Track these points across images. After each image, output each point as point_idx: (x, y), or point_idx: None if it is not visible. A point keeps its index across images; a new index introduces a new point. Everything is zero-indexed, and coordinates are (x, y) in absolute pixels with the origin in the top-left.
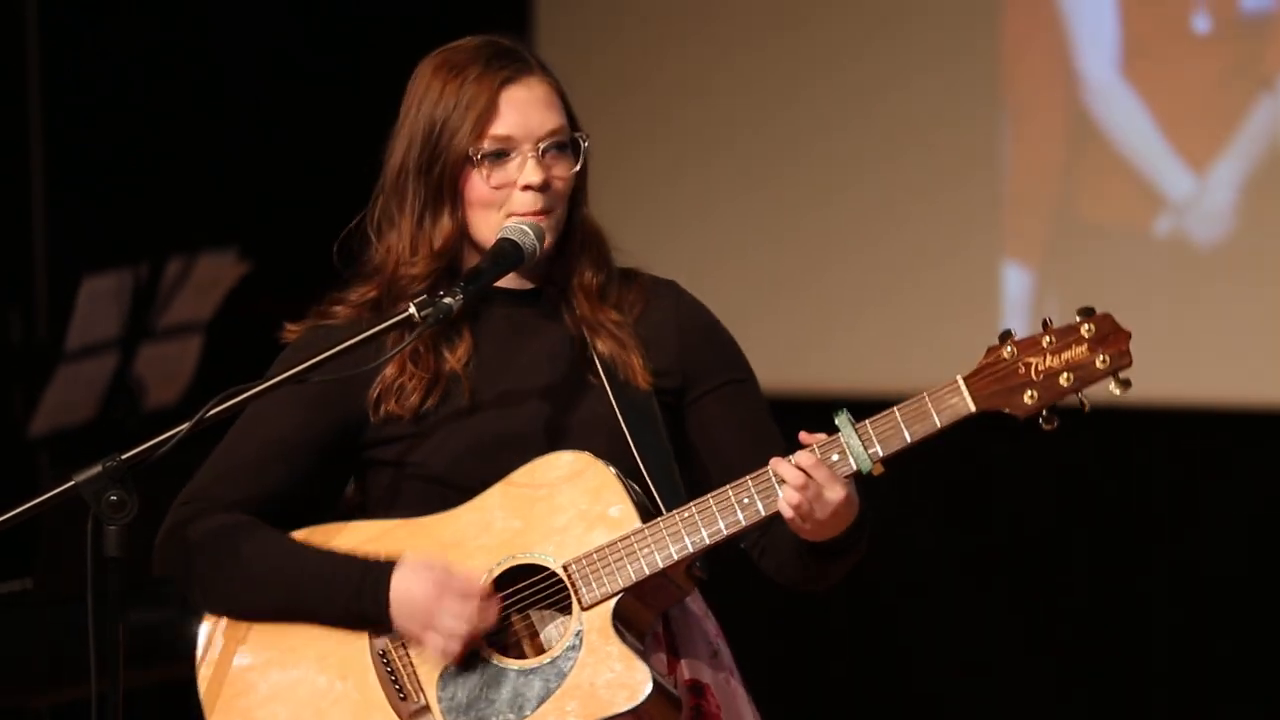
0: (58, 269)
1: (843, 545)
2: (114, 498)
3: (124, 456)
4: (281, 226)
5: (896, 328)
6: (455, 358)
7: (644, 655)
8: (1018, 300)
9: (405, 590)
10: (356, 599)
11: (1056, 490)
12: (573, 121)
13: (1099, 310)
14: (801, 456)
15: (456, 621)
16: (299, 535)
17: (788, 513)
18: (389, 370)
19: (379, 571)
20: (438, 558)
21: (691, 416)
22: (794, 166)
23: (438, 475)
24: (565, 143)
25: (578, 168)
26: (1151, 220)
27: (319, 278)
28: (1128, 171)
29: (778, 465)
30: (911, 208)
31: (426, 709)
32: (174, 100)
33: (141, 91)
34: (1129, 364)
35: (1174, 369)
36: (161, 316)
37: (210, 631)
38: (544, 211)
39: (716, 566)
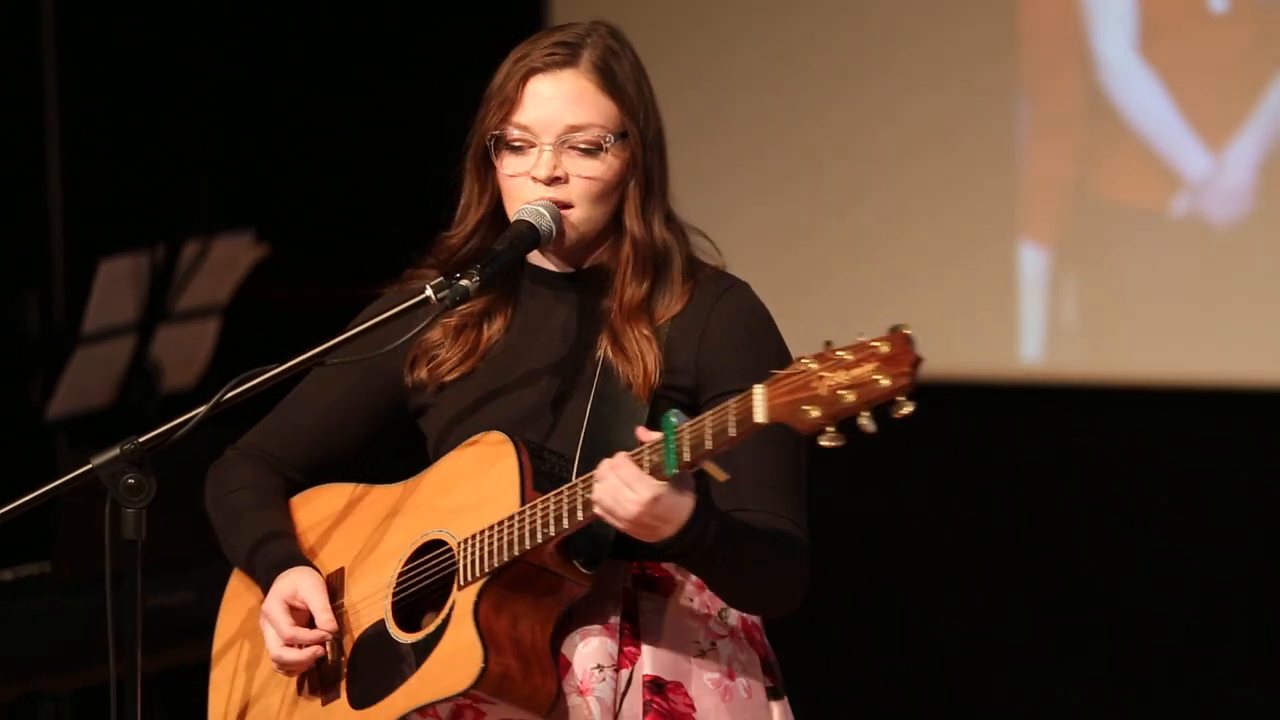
0: (74, 255)
1: (674, 550)
2: (131, 481)
3: (141, 440)
4: (299, 209)
5: (913, 308)
6: (491, 332)
7: (493, 643)
8: (1034, 280)
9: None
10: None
11: (1070, 470)
12: (634, 125)
13: (906, 329)
14: (617, 456)
15: (270, 640)
16: (302, 494)
17: (594, 508)
18: (433, 334)
19: (268, 576)
20: (318, 580)
21: None
22: (802, 148)
23: (441, 450)
24: (589, 141)
25: (602, 168)
26: (1168, 200)
27: (336, 260)
28: (1144, 151)
29: (602, 462)
30: (929, 188)
31: (335, 670)
32: (190, 83)
33: (157, 74)
34: (908, 386)
35: (1191, 349)
36: (179, 299)
37: (233, 578)
38: (560, 205)
39: None
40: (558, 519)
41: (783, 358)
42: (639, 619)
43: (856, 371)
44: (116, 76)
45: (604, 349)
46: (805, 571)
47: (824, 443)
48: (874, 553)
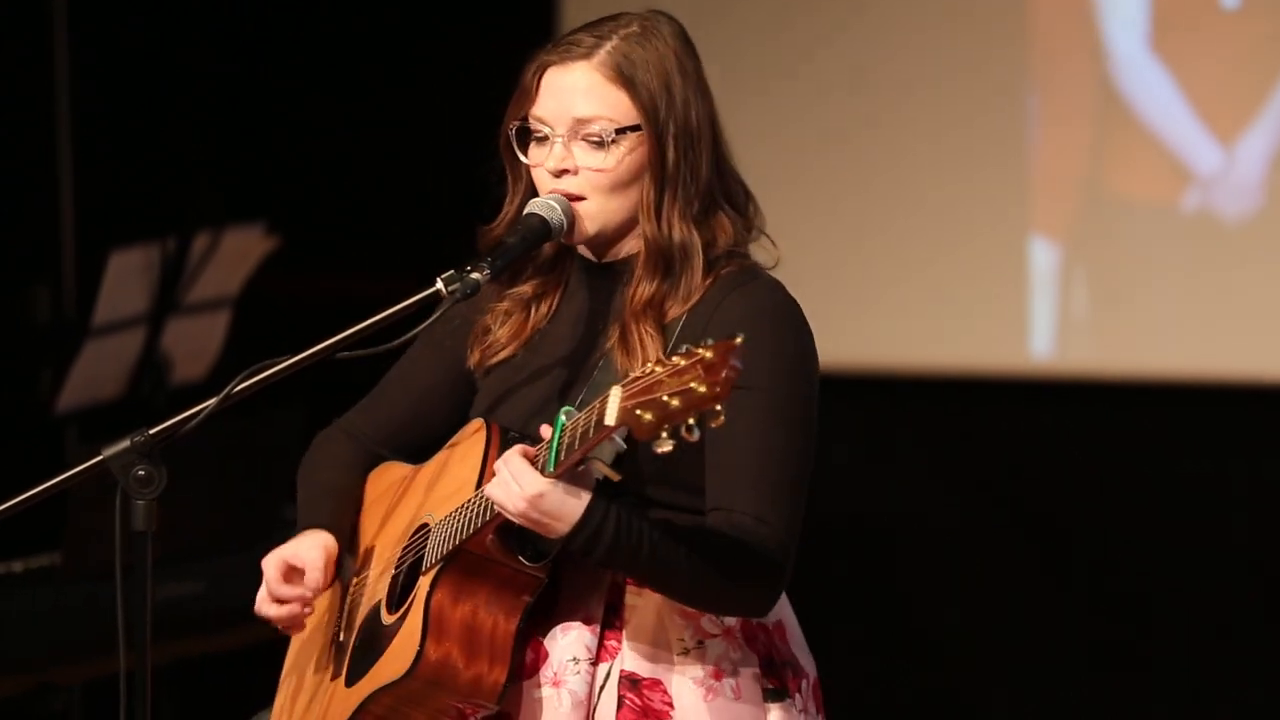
0: (85, 247)
1: (571, 548)
2: (141, 472)
3: (152, 431)
4: (310, 201)
5: (923, 303)
6: (538, 318)
7: (434, 631)
8: (1044, 275)
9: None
10: None
11: (1080, 466)
12: (650, 119)
13: (735, 339)
14: (510, 450)
15: (259, 596)
16: (376, 470)
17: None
18: (487, 319)
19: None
20: (325, 543)
21: None
22: (823, 142)
23: None
24: (595, 134)
25: (611, 161)
26: (1179, 195)
27: (347, 253)
28: (1156, 146)
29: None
30: (939, 183)
31: (344, 648)
32: (198, 78)
33: (169, 65)
34: (722, 396)
35: (1202, 344)
36: (189, 291)
37: None
38: (572, 197)
39: None
40: (481, 511)
41: (789, 358)
42: (624, 614)
43: (684, 377)
44: (126, 70)
45: (612, 342)
46: (762, 578)
47: (657, 449)
48: (881, 549)
